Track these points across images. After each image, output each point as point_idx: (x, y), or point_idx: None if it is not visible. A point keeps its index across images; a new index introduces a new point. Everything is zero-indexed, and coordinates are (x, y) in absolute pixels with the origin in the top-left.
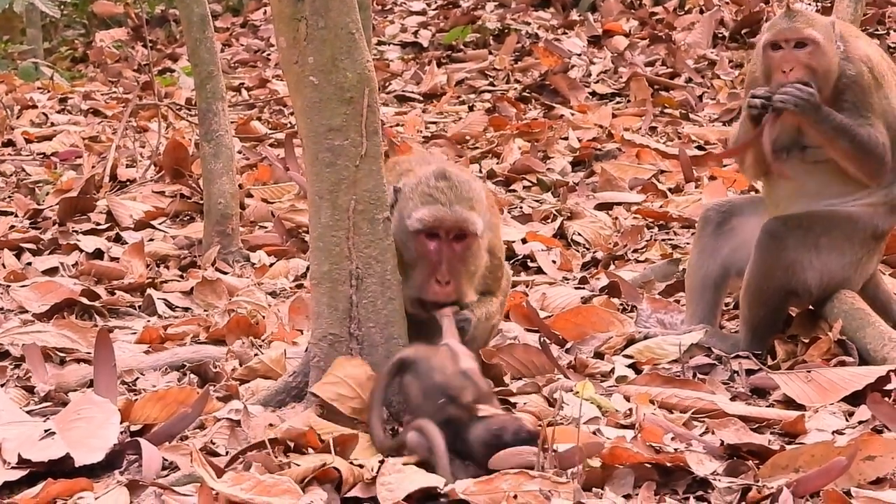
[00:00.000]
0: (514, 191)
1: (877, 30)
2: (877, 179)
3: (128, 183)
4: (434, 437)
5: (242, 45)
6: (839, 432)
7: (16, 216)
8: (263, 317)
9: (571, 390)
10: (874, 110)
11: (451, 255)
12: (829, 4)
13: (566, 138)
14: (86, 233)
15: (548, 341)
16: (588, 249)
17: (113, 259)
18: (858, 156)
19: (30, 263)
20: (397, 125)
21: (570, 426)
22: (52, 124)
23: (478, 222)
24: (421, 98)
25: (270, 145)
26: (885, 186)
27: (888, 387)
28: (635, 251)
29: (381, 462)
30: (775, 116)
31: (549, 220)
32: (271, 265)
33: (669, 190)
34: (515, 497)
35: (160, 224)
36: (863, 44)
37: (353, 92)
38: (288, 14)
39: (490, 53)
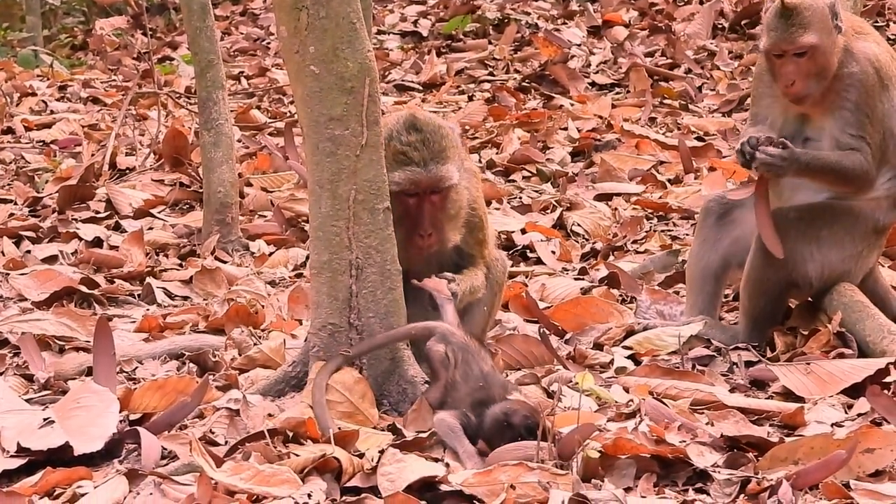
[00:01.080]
0: (514, 181)
1: (876, 21)
2: (860, 195)
3: (127, 171)
4: (458, 431)
5: (242, 33)
6: (838, 424)
7: (15, 204)
8: (263, 306)
9: (570, 381)
10: (875, 114)
11: (430, 208)
12: None
13: (566, 129)
14: (85, 221)
15: (547, 332)
16: (587, 240)
17: (112, 247)
18: (842, 183)
19: (29, 251)
20: None
21: (570, 413)
22: (52, 112)
23: (454, 174)
24: (420, 88)
25: (270, 134)
26: (888, 180)
27: (887, 379)
28: (635, 242)
29: (382, 452)
30: (763, 184)
31: (549, 211)
32: (271, 254)
33: (669, 181)
34: (514, 488)
35: (159, 212)
36: (871, 42)
37: (353, 81)
38: (289, 3)
39: (490, 43)
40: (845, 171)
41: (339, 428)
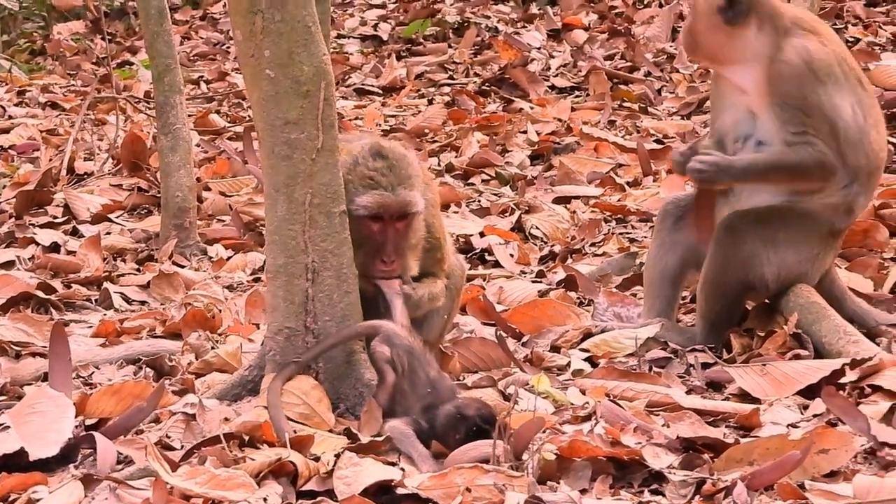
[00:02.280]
0: (473, 184)
1: (835, 24)
2: (828, 185)
3: (85, 176)
4: (411, 437)
5: (202, 37)
6: (794, 425)
7: None
8: (220, 310)
9: (527, 384)
10: (808, 105)
11: (394, 234)
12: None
13: (525, 132)
14: (42, 226)
15: (504, 335)
16: (546, 243)
17: (70, 252)
18: (799, 179)
19: None
20: (356, 118)
21: (526, 415)
22: (10, 117)
23: (419, 201)
24: (380, 91)
25: (229, 138)
26: (843, 187)
27: (843, 380)
28: (593, 245)
29: (338, 456)
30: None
31: (507, 214)
32: (228, 259)
33: (627, 184)
34: (470, 491)
35: (117, 217)
36: (811, 40)
37: (309, 85)
38: (245, 7)
39: (449, 47)
40: (795, 166)
41: (295, 431)
